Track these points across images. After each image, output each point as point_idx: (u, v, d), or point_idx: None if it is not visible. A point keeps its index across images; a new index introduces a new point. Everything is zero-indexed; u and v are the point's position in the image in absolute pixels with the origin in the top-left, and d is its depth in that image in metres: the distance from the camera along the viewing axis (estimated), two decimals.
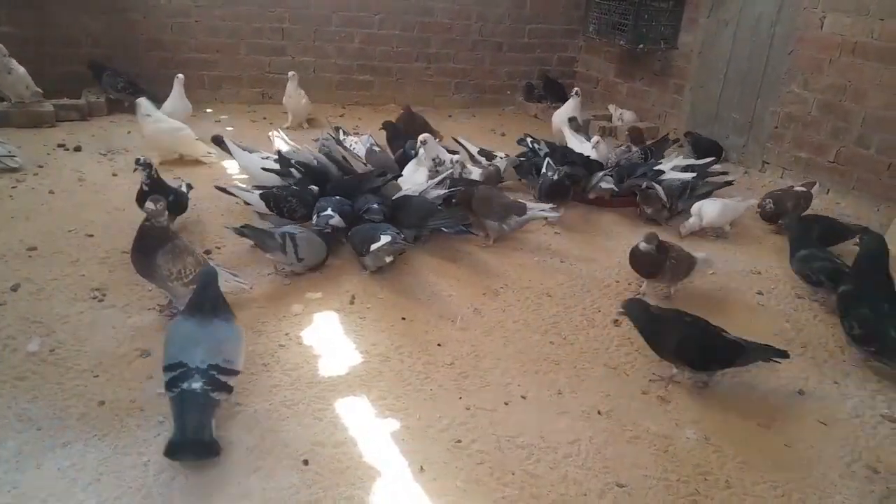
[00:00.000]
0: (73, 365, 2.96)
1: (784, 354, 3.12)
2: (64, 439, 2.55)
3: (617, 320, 3.52)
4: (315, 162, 4.71)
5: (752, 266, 4.50)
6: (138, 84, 6.48)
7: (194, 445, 2.41)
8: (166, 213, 3.26)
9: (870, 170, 5.68)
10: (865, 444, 2.90)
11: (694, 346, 3.06)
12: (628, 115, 7.43)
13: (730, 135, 6.65)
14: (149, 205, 3.22)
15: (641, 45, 7.11)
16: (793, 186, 5.29)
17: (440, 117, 7.52)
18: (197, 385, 2.46)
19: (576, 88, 6.76)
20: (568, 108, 6.51)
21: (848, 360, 3.51)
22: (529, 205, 4.56)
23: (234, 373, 2.61)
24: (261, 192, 4.28)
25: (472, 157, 5.60)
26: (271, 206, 4.20)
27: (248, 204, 4.33)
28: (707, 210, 4.77)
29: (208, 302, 2.70)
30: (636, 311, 3.13)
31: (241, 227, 3.73)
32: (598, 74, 8.31)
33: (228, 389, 2.57)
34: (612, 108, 7.47)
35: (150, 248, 3.22)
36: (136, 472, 2.43)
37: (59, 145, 5.55)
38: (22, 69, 5.79)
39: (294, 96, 6.55)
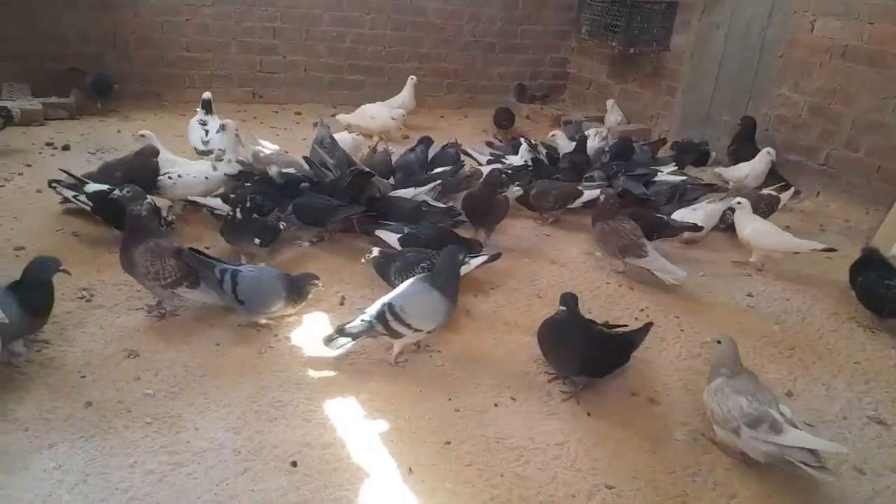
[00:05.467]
0: (61, 365, 2.94)
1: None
2: (50, 440, 2.53)
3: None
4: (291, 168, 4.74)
5: (742, 268, 4.52)
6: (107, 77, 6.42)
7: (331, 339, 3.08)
8: (145, 201, 3.26)
9: (859, 173, 5.71)
10: (852, 446, 2.92)
11: (594, 364, 3.07)
12: (611, 118, 7.38)
13: (721, 137, 6.66)
14: (116, 192, 3.23)
15: (633, 47, 7.13)
16: (761, 189, 5.29)
17: (433, 117, 7.52)
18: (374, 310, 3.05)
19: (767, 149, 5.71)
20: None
21: (836, 362, 3.54)
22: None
23: (405, 323, 3.02)
24: (221, 196, 4.23)
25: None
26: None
27: (215, 210, 4.20)
28: (688, 218, 4.70)
29: (443, 275, 3.15)
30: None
31: (188, 249, 3.35)
32: (591, 76, 8.32)
33: (388, 327, 3.01)
34: (609, 103, 7.43)
35: (133, 241, 3.22)
36: (123, 473, 2.42)
37: (48, 144, 5.52)
38: None
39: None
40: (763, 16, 6.24)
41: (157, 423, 2.67)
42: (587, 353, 3.00)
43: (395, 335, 3.08)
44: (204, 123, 5.58)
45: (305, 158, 4.88)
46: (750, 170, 5.56)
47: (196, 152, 5.41)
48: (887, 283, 3.79)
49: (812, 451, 2.51)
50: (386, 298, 3.11)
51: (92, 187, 4.01)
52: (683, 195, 5.16)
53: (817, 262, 4.71)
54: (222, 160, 4.64)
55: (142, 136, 4.66)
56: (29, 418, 2.63)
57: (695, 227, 4.61)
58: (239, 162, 4.67)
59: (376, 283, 3.79)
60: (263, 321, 3.35)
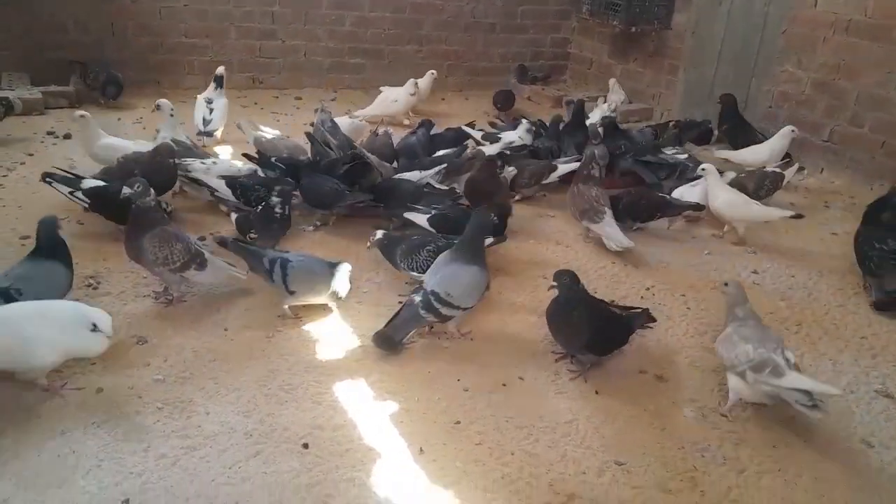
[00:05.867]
0: None
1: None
2: (63, 427, 2.55)
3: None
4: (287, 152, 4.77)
5: (748, 245, 4.51)
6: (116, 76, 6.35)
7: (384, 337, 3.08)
8: (151, 192, 3.26)
9: (863, 148, 5.69)
10: (860, 420, 2.94)
11: (601, 339, 3.08)
12: (614, 98, 7.28)
13: None
14: (126, 190, 3.22)
15: (635, 26, 7.08)
16: (765, 166, 5.22)
17: (434, 100, 7.47)
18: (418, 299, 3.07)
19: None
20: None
21: (842, 337, 3.54)
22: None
23: (454, 306, 3.07)
24: (226, 179, 4.20)
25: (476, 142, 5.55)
26: (238, 195, 4.13)
27: (216, 192, 4.19)
28: (688, 196, 4.70)
29: (468, 247, 3.19)
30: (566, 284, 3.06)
31: (233, 239, 3.50)
32: (592, 55, 8.26)
33: (438, 314, 3.07)
34: (611, 82, 7.34)
35: (139, 231, 3.23)
36: (137, 458, 2.43)
37: (49, 133, 5.49)
38: None
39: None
40: None
41: (168, 408, 2.68)
42: (594, 331, 3.01)
43: (446, 319, 3.15)
44: (209, 102, 5.52)
45: (307, 134, 4.88)
46: (770, 151, 5.40)
47: (196, 135, 5.36)
48: (877, 246, 3.88)
49: (807, 392, 2.65)
50: (428, 287, 3.11)
51: (88, 183, 3.95)
52: (683, 173, 5.14)
53: (823, 238, 4.72)
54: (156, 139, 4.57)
55: (81, 116, 4.49)
56: (41, 405, 2.65)
57: (697, 207, 4.60)
58: (175, 142, 4.55)
59: (381, 267, 3.79)
60: (287, 307, 3.34)
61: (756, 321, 2.96)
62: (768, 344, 2.78)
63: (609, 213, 4.23)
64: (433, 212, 4.05)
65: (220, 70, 5.70)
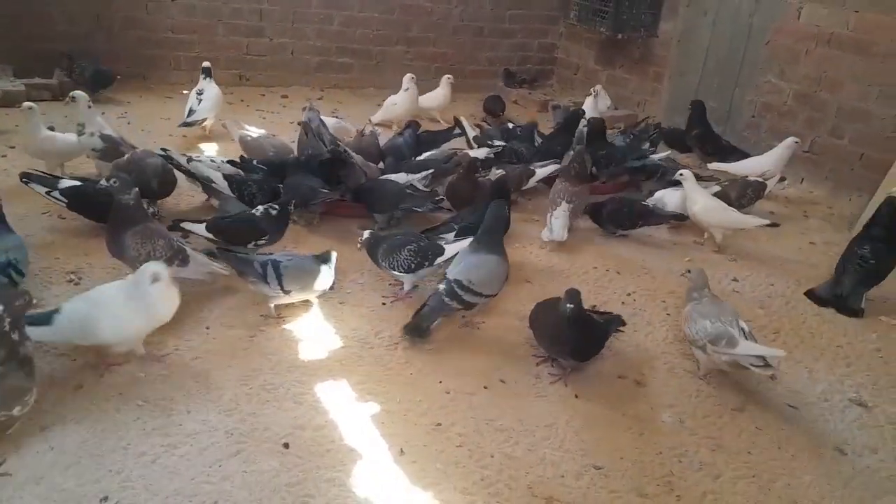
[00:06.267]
0: (50, 348, 2.92)
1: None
2: (42, 423, 2.53)
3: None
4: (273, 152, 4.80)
5: (728, 253, 4.57)
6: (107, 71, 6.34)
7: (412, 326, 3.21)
8: (134, 190, 3.26)
9: (843, 160, 5.78)
10: (834, 427, 2.99)
11: (585, 346, 3.09)
12: (600, 104, 7.28)
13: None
14: (102, 183, 3.24)
15: (621, 33, 7.14)
16: (747, 176, 5.24)
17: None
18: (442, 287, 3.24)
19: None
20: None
21: (818, 346, 3.60)
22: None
23: (475, 293, 3.21)
24: (224, 173, 4.23)
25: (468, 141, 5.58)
26: (234, 189, 4.17)
27: (211, 183, 4.20)
28: (669, 200, 4.78)
29: (487, 238, 3.35)
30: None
31: (220, 248, 3.48)
32: (579, 61, 8.32)
33: (461, 301, 3.21)
34: (598, 87, 7.34)
35: (121, 227, 3.23)
36: (116, 455, 2.43)
37: None
38: None
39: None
40: (751, 2, 6.26)
41: (148, 406, 2.67)
42: (579, 338, 3.03)
43: (469, 307, 3.30)
44: (200, 93, 5.55)
45: (302, 124, 4.88)
46: (774, 163, 5.40)
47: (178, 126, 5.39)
48: (856, 251, 4.01)
49: (760, 357, 2.91)
50: (451, 276, 3.25)
51: (65, 183, 3.91)
52: (664, 175, 5.21)
53: (802, 247, 4.80)
54: (84, 134, 4.39)
55: (29, 108, 4.30)
56: None
57: (680, 217, 4.66)
58: (102, 137, 4.40)
59: (365, 268, 3.80)
60: (273, 307, 3.35)
61: (710, 298, 3.23)
62: (725, 317, 3.04)
63: (563, 206, 4.34)
64: (457, 227, 4.03)
65: (206, 63, 5.71)
